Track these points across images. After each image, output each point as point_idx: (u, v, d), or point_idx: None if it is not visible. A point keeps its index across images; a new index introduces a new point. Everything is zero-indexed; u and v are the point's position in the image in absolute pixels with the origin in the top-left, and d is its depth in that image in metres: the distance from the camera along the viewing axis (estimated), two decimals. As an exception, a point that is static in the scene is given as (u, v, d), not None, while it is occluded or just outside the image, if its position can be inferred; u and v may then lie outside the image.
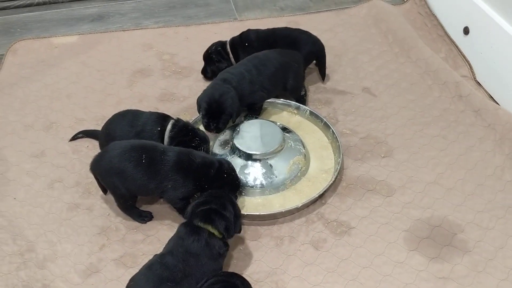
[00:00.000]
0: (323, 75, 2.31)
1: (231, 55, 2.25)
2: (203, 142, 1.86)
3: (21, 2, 2.90)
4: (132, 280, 1.47)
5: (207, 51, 2.30)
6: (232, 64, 2.23)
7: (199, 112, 2.00)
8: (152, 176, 1.67)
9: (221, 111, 1.91)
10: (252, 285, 1.57)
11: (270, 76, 2.03)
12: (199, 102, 1.96)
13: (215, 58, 2.26)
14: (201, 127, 2.01)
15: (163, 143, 1.83)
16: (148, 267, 1.45)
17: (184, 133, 1.83)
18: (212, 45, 2.29)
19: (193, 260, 1.47)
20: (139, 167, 1.66)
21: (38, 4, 2.91)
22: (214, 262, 1.51)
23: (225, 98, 1.90)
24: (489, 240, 1.69)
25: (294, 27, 2.61)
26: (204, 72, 2.33)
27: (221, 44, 2.28)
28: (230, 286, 1.39)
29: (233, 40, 2.27)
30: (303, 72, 2.16)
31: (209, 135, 1.95)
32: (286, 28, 2.31)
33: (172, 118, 1.89)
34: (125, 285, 1.48)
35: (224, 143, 1.97)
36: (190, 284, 1.44)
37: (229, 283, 1.40)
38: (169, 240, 1.55)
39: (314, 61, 2.30)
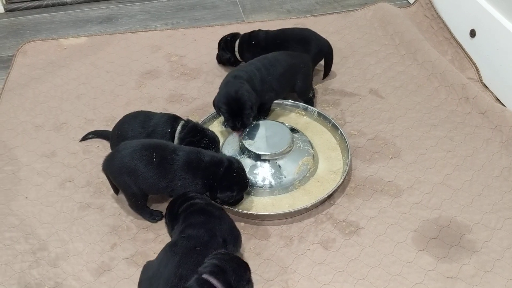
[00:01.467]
0: (326, 73, 2.35)
1: (236, 49, 2.29)
2: (212, 142, 1.88)
3: (30, 4, 2.93)
4: (148, 267, 1.49)
5: (222, 38, 2.38)
6: (236, 59, 2.30)
7: (219, 115, 2.02)
8: (162, 175, 1.69)
9: (242, 107, 1.91)
10: (262, 284, 1.60)
11: (279, 77, 2.05)
12: (216, 104, 1.97)
13: (222, 46, 2.34)
14: (211, 127, 2.03)
15: None
16: (172, 245, 1.49)
17: (193, 133, 1.86)
18: (229, 34, 2.36)
19: (211, 218, 1.56)
20: (150, 166, 1.69)
21: (47, 6, 2.94)
22: (227, 215, 1.63)
23: (242, 93, 1.91)
24: (497, 241, 1.71)
25: (301, 29, 2.66)
26: (217, 57, 2.45)
27: (232, 36, 2.34)
28: (218, 271, 1.39)
29: (243, 37, 2.31)
30: (311, 74, 2.18)
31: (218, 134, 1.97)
32: (295, 28, 2.34)
33: (183, 119, 1.91)
34: (137, 284, 1.50)
35: (234, 144, 1.99)
36: (217, 243, 1.51)
37: (219, 267, 1.40)
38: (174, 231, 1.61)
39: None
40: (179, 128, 1.87)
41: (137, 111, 1.97)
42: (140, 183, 1.70)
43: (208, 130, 1.92)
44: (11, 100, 2.29)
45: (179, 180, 1.70)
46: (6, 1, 2.92)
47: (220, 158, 1.74)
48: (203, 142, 1.85)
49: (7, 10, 2.91)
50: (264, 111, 2.11)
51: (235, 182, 1.73)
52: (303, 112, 2.17)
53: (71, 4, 2.96)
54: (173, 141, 1.86)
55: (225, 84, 1.97)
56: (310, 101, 2.18)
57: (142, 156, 1.70)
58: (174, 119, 1.90)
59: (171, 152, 1.71)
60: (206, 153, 1.75)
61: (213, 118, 2.14)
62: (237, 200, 1.79)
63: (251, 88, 1.96)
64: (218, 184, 1.71)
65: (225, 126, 2.08)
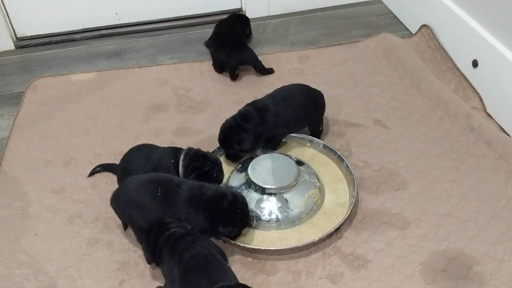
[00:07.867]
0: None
1: None
2: (215, 164, 1.92)
3: (41, 41, 3.00)
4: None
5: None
6: None
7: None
8: (167, 209, 1.71)
9: (228, 141, 2.06)
10: (271, 320, 1.59)
11: (297, 107, 2.10)
12: None
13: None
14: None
15: (178, 174, 1.89)
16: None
17: (196, 159, 1.90)
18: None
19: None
20: (155, 200, 1.71)
21: (57, 42, 3.00)
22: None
23: (227, 128, 2.07)
24: (505, 272, 1.70)
25: (305, 60, 2.71)
26: None
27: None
28: None
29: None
30: (324, 109, 2.22)
31: (225, 167, 2.00)
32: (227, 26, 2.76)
33: (184, 149, 1.95)
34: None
35: (240, 177, 2.01)
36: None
37: None
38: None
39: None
40: (182, 156, 1.91)
41: (140, 144, 2.02)
42: (147, 217, 1.72)
43: (210, 153, 1.96)
44: (21, 136, 2.33)
45: (183, 214, 1.72)
46: (17, 39, 3.00)
47: (224, 192, 1.76)
48: (206, 166, 1.89)
49: (17, 47, 2.98)
50: (273, 144, 2.14)
51: (238, 218, 1.75)
52: (308, 144, 2.19)
53: (80, 40, 3.03)
54: (177, 171, 1.89)
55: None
56: (318, 134, 2.21)
57: (148, 190, 1.73)
58: (176, 150, 1.96)
59: (175, 187, 1.74)
60: (210, 186, 1.78)
61: (219, 150, 2.17)
62: (236, 235, 1.80)
63: (260, 120, 2.02)
64: (221, 218, 1.72)
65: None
